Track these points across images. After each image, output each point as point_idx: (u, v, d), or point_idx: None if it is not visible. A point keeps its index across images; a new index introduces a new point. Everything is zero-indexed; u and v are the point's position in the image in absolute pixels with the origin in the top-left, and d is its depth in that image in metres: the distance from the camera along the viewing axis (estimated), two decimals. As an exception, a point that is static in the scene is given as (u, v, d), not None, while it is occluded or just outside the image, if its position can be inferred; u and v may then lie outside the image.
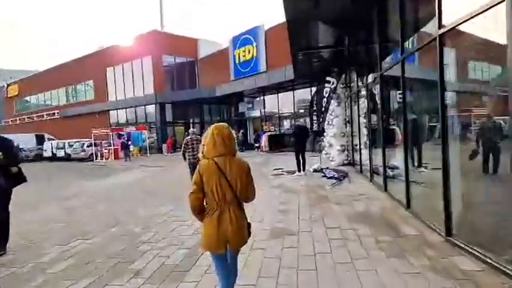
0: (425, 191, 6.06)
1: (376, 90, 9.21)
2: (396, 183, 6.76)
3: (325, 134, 13.10)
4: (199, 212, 2.54)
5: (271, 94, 22.49)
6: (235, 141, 2.66)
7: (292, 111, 20.82)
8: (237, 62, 24.36)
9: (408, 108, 5.94)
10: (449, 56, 4.79)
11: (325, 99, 11.00)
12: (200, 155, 2.61)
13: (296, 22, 8.65)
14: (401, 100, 5.70)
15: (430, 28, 4.33)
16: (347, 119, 11.74)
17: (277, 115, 22.42)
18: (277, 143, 20.43)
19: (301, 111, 19.91)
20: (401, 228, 4.64)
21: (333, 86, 10.90)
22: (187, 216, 5.27)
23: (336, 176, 9.33)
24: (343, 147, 11.81)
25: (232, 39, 24.73)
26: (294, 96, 20.44)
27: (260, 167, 12.81)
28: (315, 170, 10.66)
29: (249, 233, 2.61)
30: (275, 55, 20.69)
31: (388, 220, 5.07)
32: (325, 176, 9.64)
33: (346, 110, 11.74)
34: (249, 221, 2.62)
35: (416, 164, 7.72)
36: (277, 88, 21.29)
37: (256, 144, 21.84)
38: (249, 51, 23.28)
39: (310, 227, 4.99)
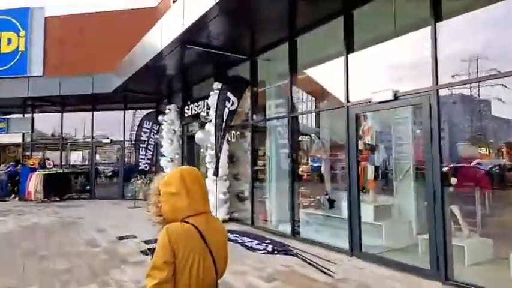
0: None
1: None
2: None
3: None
4: None
5: (49, 112, 14.83)
6: None
7: (89, 139, 14.30)
8: (-21, 53, 14.97)
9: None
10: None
11: (223, 125, 7.23)
12: (155, 217, 1.62)
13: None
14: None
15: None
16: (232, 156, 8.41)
17: (58, 143, 14.86)
18: (58, 188, 13.19)
19: (105, 140, 13.95)
20: None
21: (233, 108, 7.40)
22: None
23: (278, 248, 5.77)
24: (226, 196, 8.22)
25: (-29, 16, 15.22)
26: (93, 117, 14.12)
27: (80, 233, 6.91)
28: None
29: None
30: (63, 55, 14.07)
31: None
32: (250, 247, 5.84)
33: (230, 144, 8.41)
34: None
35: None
36: (65, 104, 14.32)
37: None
38: (10, 42, 14.80)
39: None
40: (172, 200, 1.57)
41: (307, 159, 7.76)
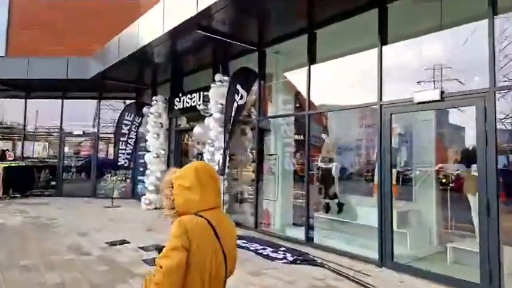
0: None
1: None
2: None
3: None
4: None
5: (10, 98, 13.16)
6: None
7: (58, 129, 12.88)
8: None
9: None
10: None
11: (231, 120, 6.58)
12: (168, 209, 1.60)
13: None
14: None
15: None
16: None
17: (20, 133, 13.23)
18: (20, 183, 11.71)
19: (77, 132, 12.60)
20: None
21: (241, 102, 6.78)
22: None
23: (300, 258, 5.25)
24: (225, 197, 7.56)
25: None
26: (63, 105, 12.67)
27: (60, 237, 5.95)
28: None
29: None
30: (32, 36, 12.61)
31: None
32: (267, 256, 5.30)
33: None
34: None
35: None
36: (31, 89, 12.76)
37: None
38: (-35, 15, 13.04)
39: None
40: (185, 194, 1.55)
41: (318, 160, 7.34)
